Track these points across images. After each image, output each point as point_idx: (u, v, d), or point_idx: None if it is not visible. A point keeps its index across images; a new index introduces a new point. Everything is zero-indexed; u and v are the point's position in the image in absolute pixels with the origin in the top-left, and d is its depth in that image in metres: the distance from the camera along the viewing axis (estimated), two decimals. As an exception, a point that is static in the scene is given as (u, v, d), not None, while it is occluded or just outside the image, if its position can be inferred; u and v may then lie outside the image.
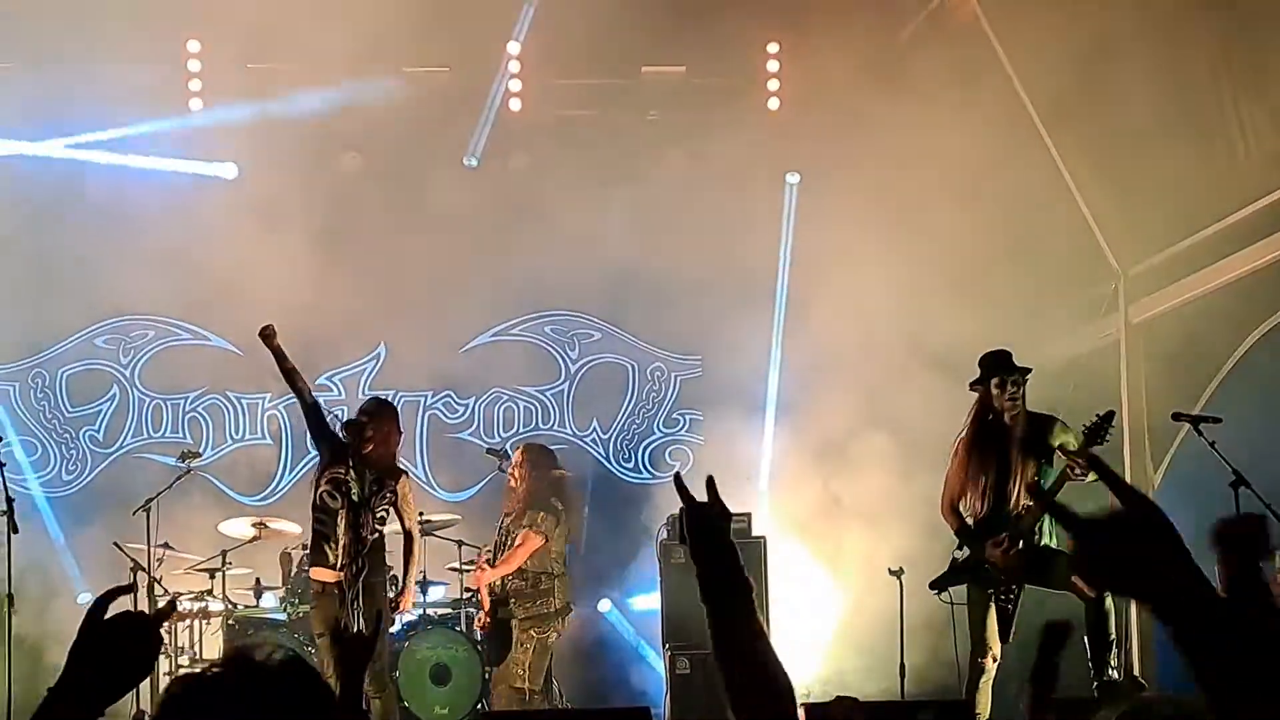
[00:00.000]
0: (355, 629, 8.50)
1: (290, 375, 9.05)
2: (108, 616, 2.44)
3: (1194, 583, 1.91)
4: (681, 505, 2.85)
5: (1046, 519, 8.28)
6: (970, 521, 8.50)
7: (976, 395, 8.60)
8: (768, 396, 13.00)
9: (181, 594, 10.85)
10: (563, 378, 13.41)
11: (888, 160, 11.53)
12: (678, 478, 2.89)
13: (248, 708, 2.16)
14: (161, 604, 10.63)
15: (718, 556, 2.75)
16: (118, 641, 2.41)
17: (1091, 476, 8.12)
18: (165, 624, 3.91)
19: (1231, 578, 2.93)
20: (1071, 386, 10.68)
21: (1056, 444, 8.42)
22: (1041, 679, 4.69)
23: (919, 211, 11.33)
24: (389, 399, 10.16)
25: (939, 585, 8.61)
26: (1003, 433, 8.44)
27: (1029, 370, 8.55)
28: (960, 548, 8.57)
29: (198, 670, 2.28)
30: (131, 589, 8.68)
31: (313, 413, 9.14)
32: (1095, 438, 8.11)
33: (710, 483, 2.84)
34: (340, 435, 9.04)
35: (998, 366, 8.50)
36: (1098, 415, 8.17)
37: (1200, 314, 10.63)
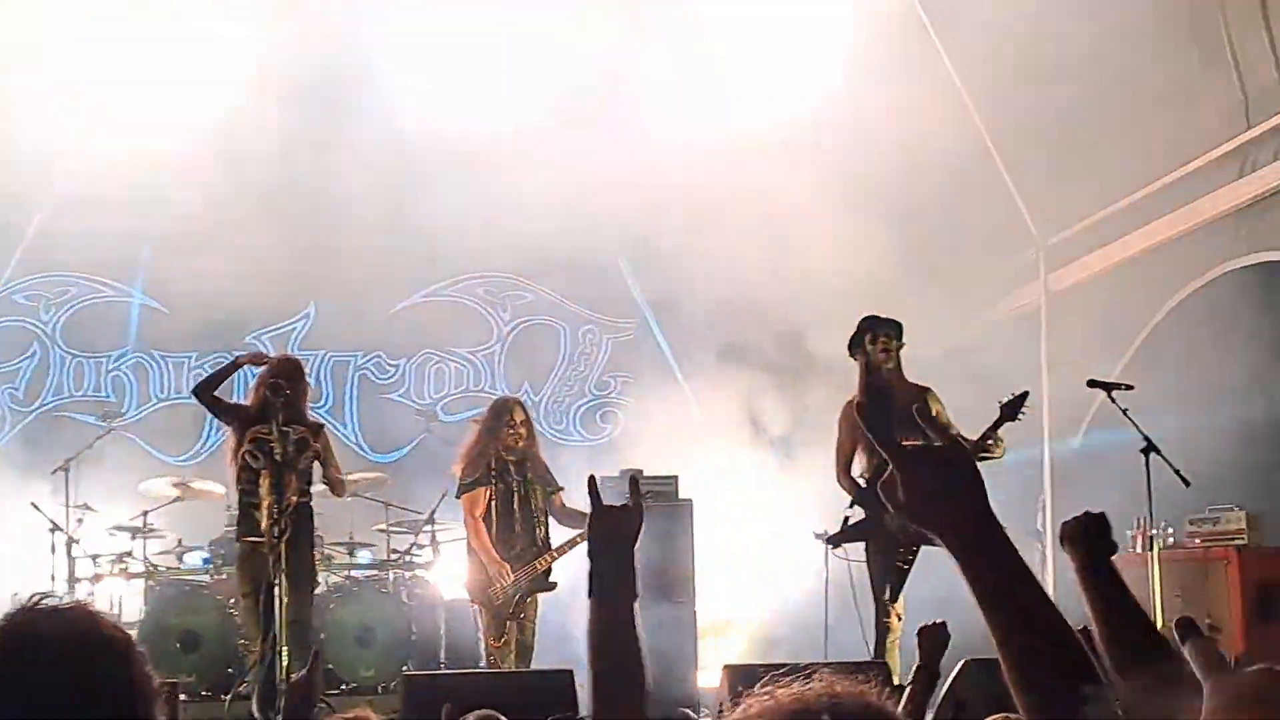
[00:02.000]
0: (280, 589, 8.40)
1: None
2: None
3: (987, 516, 2.01)
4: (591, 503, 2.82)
5: None
6: (863, 482, 8.61)
7: (862, 360, 8.74)
8: (703, 362, 12.92)
9: (100, 555, 10.68)
10: (494, 339, 13.32)
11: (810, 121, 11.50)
12: (591, 481, 2.89)
13: (28, 673, 2.11)
14: (81, 566, 10.50)
15: (615, 561, 2.76)
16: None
17: (997, 451, 8.23)
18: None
19: (1081, 568, 3.05)
20: (991, 355, 10.73)
21: (934, 411, 8.49)
22: (924, 685, 4.67)
23: (840, 179, 11.29)
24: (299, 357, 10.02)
25: (835, 542, 8.75)
26: (888, 395, 8.54)
27: (899, 325, 8.71)
28: (852, 506, 8.68)
29: None
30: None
31: (213, 406, 9.11)
32: (1011, 414, 8.20)
33: (634, 484, 2.84)
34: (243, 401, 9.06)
35: (870, 324, 8.74)
36: (1013, 393, 8.28)
37: (1118, 282, 10.73)
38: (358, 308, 12.92)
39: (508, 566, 8.74)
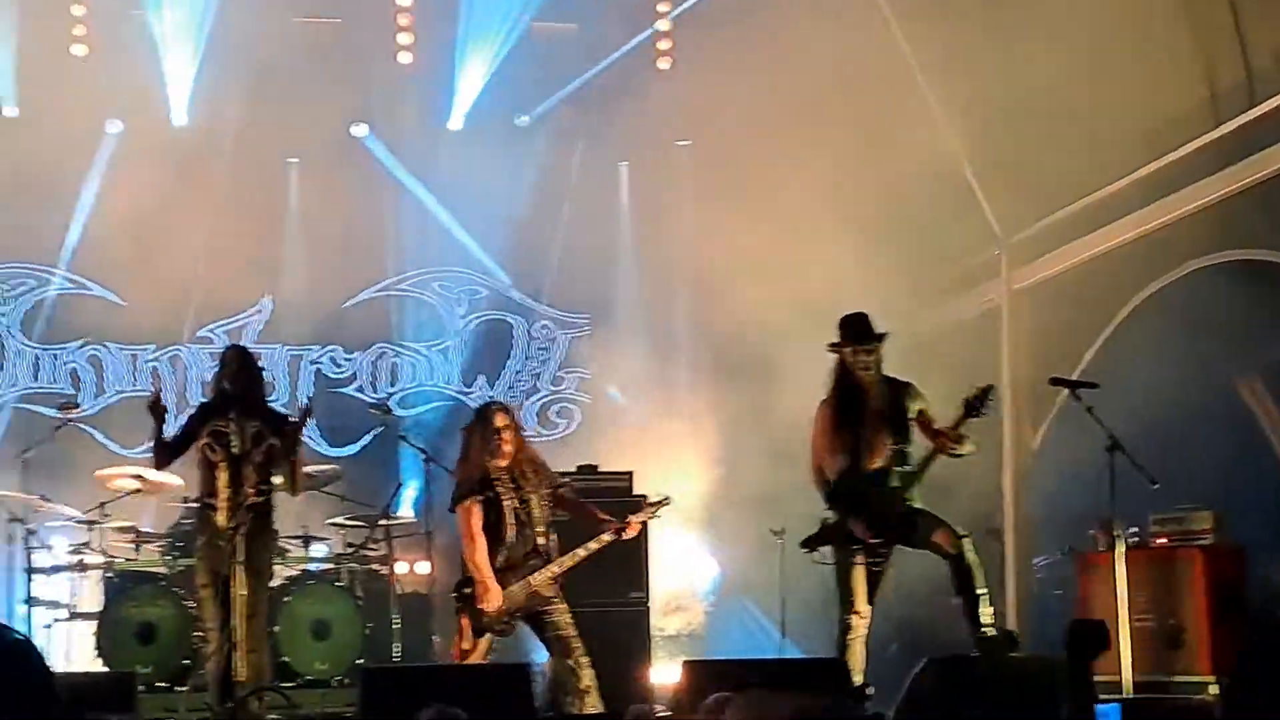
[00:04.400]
0: (235, 582, 8.44)
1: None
2: None
3: None
4: None
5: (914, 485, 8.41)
6: (831, 480, 8.56)
7: (837, 357, 8.65)
8: (659, 358, 13.02)
9: (57, 547, 10.70)
10: (449, 334, 13.36)
11: (771, 124, 11.59)
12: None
13: None
14: (39, 558, 10.52)
15: None
16: None
17: (965, 448, 8.25)
18: None
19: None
20: (953, 352, 10.80)
21: (915, 409, 8.51)
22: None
23: (803, 175, 11.39)
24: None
25: (810, 545, 8.67)
26: (862, 394, 8.51)
27: (883, 337, 8.58)
28: (828, 509, 8.63)
29: None
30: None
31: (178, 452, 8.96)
32: (973, 411, 8.17)
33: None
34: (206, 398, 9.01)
35: (852, 333, 8.52)
36: (977, 389, 8.20)
37: (1080, 281, 10.81)
38: (313, 301, 12.95)
39: (496, 588, 8.38)
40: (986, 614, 8.18)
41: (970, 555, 8.19)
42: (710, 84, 11.80)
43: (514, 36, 12.69)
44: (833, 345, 8.60)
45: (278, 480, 8.97)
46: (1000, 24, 10.13)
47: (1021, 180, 10.83)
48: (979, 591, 8.18)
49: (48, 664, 2.19)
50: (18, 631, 2.27)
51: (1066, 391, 9.07)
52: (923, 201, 11.21)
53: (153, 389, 8.99)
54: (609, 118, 12.57)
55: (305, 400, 9.24)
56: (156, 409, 8.78)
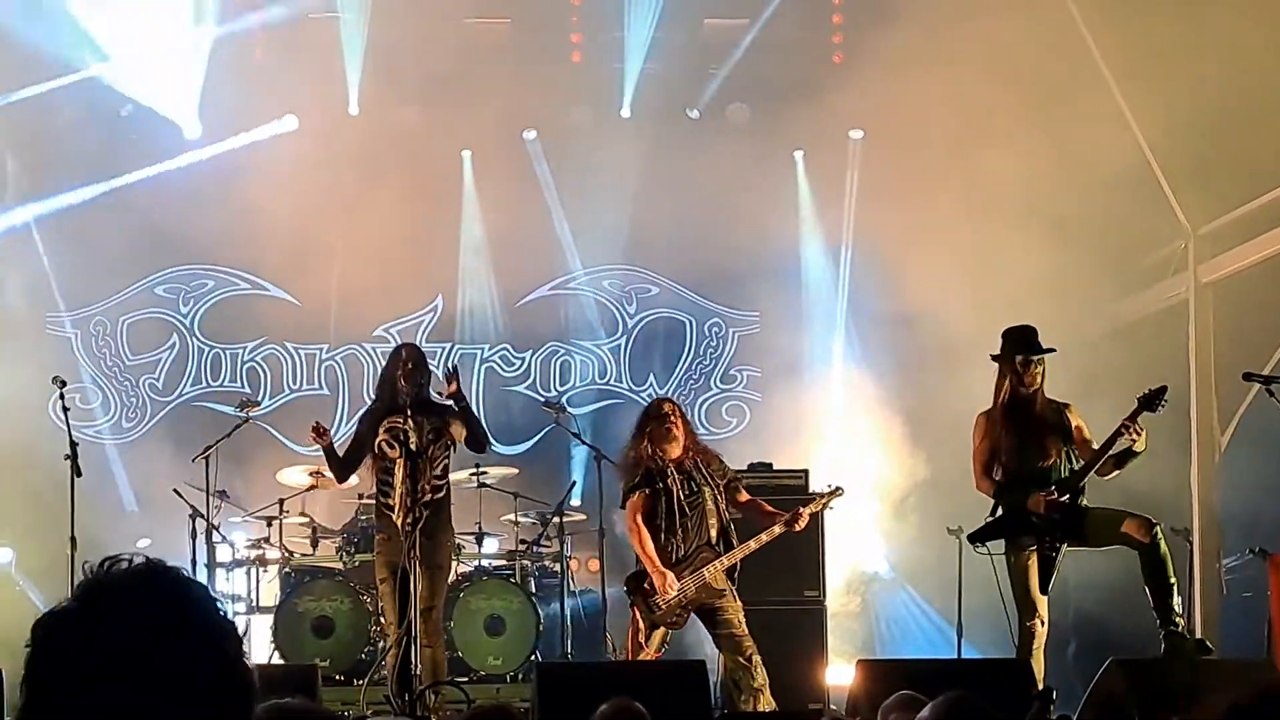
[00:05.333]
0: (414, 576, 8.51)
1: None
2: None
3: None
4: None
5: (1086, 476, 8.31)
6: (1000, 481, 8.45)
7: (1001, 368, 8.56)
8: (829, 353, 12.88)
9: (238, 542, 10.93)
10: (620, 332, 13.35)
11: (954, 120, 11.43)
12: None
13: (107, 625, 2.04)
14: (220, 552, 10.73)
15: None
16: None
17: (1139, 444, 8.07)
18: None
19: None
20: (1139, 347, 10.57)
21: (1074, 425, 8.40)
22: None
23: (987, 170, 11.21)
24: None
25: (978, 539, 8.56)
26: (1028, 402, 8.40)
27: (1051, 351, 8.48)
28: (995, 508, 8.50)
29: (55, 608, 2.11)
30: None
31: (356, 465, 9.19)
32: (1149, 405, 8.05)
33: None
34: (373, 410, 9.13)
35: (1020, 346, 8.44)
36: (1150, 389, 8.11)
37: (1270, 275, 10.50)
38: (485, 300, 13.05)
39: (671, 576, 8.37)
40: (1176, 606, 8.03)
41: (1164, 544, 8.06)
42: (885, 77, 11.65)
43: (684, 31, 12.65)
44: (997, 355, 8.52)
45: (458, 474, 9.04)
46: (1188, 14, 9.86)
47: (1210, 172, 10.59)
48: (1170, 580, 8.03)
49: (225, 611, 2.14)
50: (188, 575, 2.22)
51: (1256, 387, 8.82)
52: (1107, 193, 10.99)
53: (312, 434, 9.12)
54: (782, 109, 12.46)
55: (449, 367, 9.30)
56: (322, 439, 8.96)
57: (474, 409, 9.14)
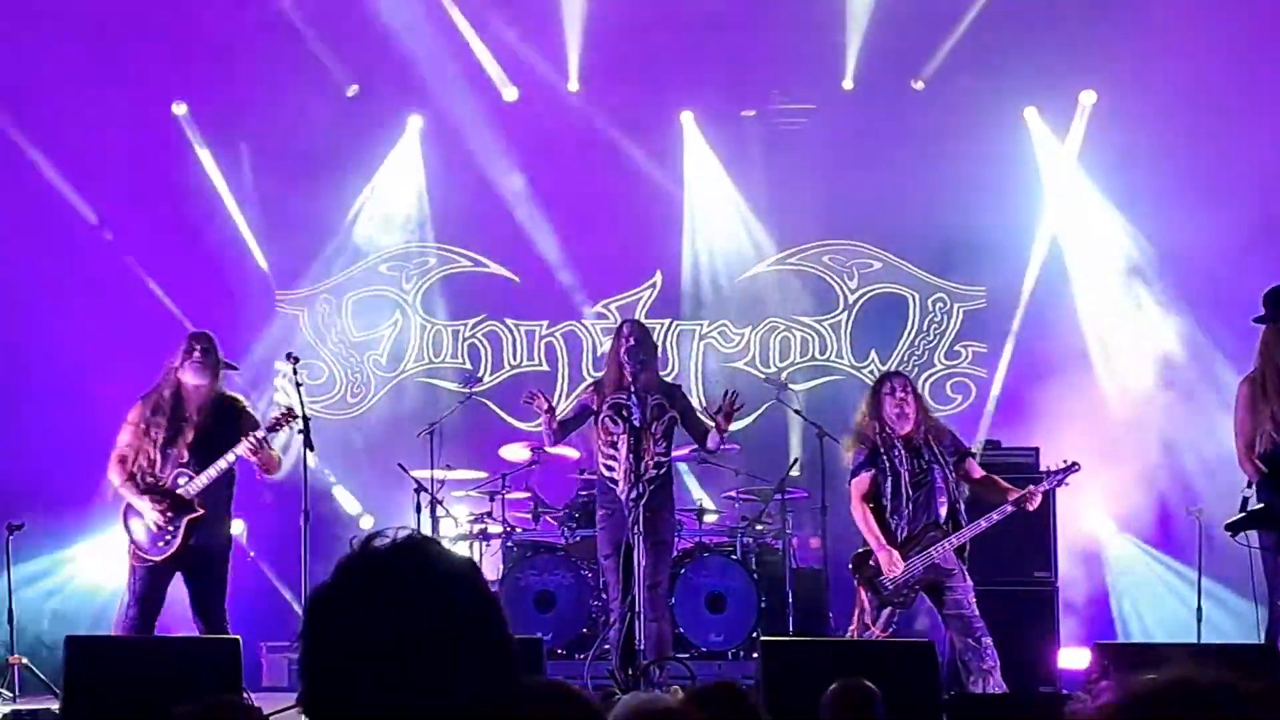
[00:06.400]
0: (637, 552, 8.49)
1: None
2: None
3: None
4: None
5: None
6: (1261, 463, 8.01)
7: (1262, 333, 8.15)
8: (1058, 330, 12.48)
9: (461, 517, 11.07)
10: (840, 307, 13.13)
11: (1193, 88, 11.06)
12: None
13: (371, 601, 2.06)
14: (444, 526, 10.85)
15: None
16: None
17: None
18: None
19: None
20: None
21: None
22: None
23: (1231, 142, 10.84)
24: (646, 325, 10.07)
25: (1236, 529, 8.19)
26: None
27: None
28: (1251, 486, 8.11)
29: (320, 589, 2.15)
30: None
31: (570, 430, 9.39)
32: None
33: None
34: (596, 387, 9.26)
35: None
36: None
37: None
38: (704, 276, 12.98)
39: (897, 554, 8.25)
40: None
41: None
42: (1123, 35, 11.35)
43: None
44: (1259, 318, 8.13)
45: (679, 450, 9.02)
46: None
47: None
48: None
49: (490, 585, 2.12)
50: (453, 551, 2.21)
51: None
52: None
53: (527, 401, 9.34)
54: (1008, 71, 12.14)
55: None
56: (537, 402, 9.11)
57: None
